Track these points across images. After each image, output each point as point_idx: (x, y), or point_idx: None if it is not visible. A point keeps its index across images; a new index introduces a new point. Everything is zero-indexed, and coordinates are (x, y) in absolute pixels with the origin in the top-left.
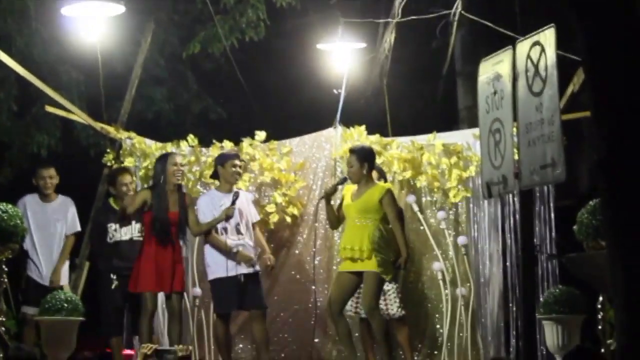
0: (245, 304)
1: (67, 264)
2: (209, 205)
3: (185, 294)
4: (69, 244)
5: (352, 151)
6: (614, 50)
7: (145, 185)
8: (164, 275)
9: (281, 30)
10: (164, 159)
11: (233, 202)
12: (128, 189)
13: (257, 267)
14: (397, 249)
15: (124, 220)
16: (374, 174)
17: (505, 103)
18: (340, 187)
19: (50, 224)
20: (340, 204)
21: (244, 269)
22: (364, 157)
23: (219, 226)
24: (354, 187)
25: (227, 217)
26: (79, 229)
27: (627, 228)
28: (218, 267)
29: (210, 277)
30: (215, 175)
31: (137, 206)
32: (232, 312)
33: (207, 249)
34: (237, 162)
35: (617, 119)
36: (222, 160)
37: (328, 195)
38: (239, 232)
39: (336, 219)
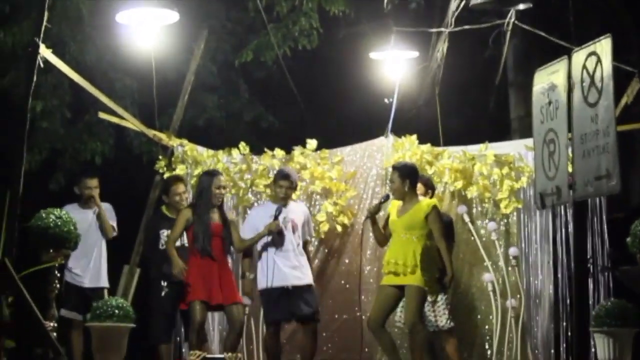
0: (295, 315)
1: (105, 269)
2: (259, 215)
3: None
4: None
5: (394, 168)
6: None
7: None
8: (211, 286)
9: (334, 39)
10: (209, 178)
11: (275, 217)
12: (181, 198)
13: (307, 280)
14: (442, 266)
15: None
16: (421, 186)
17: (560, 113)
18: (384, 204)
19: (91, 230)
20: (387, 220)
21: (293, 281)
22: (406, 173)
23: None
24: (400, 202)
25: (270, 232)
26: (114, 223)
27: None
28: (264, 278)
29: (259, 287)
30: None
31: (181, 230)
32: (282, 322)
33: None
34: (282, 183)
35: None
36: (274, 178)
37: (372, 214)
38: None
39: (383, 236)
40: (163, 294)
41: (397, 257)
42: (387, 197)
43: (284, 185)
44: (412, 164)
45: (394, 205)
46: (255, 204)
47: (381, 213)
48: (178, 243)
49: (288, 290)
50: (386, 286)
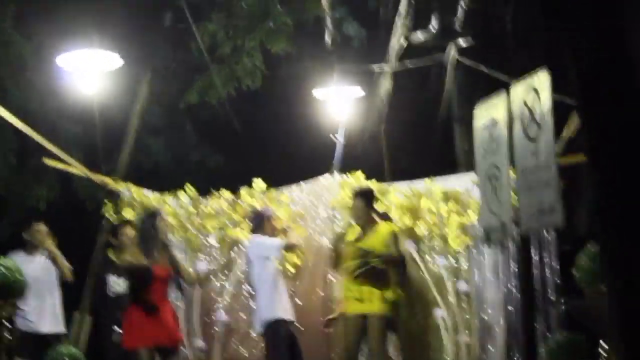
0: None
1: (61, 314)
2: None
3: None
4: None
5: (358, 194)
6: (608, 95)
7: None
8: (153, 332)
9: (278, 78)
10: (153, 217)
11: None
12: (129, 240)
13: None
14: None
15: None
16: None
17: (502, 149)
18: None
19: (43, 276)
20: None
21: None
22: (370, 198)
23: None
24: (358, 228)
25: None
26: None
27: (624, 272)
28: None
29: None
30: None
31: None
32: None
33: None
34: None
35: (612, 163)
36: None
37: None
38: None
39: (339, 260)
40: (114, 339)
41: (358, 291)
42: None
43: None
44: (371, 188)
45: (352, 230)
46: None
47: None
48: (119, 289)
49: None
50: (351, 316)
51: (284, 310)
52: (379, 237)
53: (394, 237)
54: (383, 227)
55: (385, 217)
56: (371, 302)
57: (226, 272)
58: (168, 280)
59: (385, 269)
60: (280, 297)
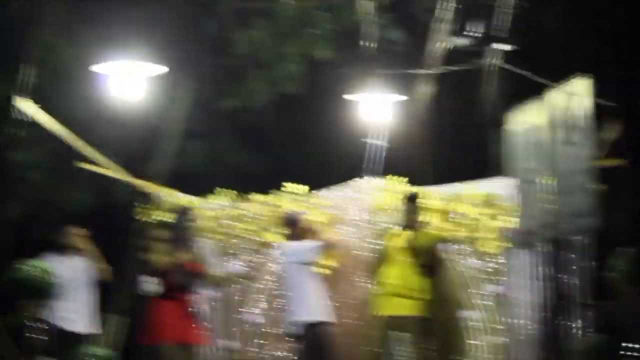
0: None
1: (95, 315)
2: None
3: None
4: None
5: (410, 198)
6: None
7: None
8: (182, 326)
9: (319, 83)
10: (180, 215)
11: None
12: (160, 240)
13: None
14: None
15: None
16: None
17: (540, 153)
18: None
19: (77, 277)
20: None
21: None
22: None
23: None
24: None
25: None
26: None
27: None
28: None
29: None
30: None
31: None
32: None
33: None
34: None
35: None
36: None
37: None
38: None
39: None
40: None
41: (399, 280)
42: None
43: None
44: (416, 193)
45: (399, 233)
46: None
47: None
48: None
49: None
50: (390, 317)
51: (324, 313)
52: (427, 240)
53: (438, 242)
54: (429, 232)
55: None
56: (413, 303)
57: (257, 274)
58: (198, 277)
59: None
60: (320, 299)
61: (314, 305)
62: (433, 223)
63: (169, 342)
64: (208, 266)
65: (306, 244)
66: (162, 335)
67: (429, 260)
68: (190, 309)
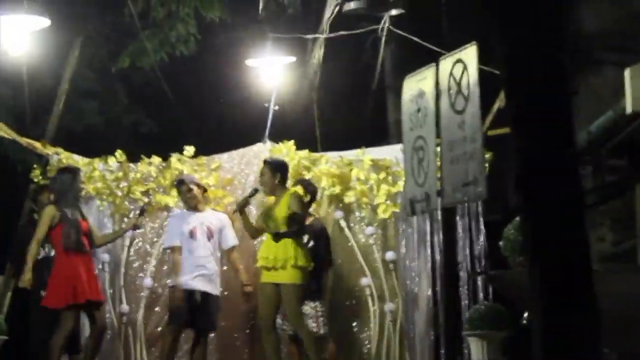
0: (198, 323)
1: None
2: (177, 223)
3: (112, 311)
4: None
5: (265, 162)
6: (532, 68)
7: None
8: (78, 284)
9: (211, 45)
10: (71, 175)
11: (141, 213)
12: (48, 201)
13: (215, 291)
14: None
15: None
16: (300, 189)
17: (429, 120)
18: (252, 198)
19: None
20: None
21: (202, 287)
22: (276, 167)
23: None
24: (272, 198)
25: (135, 227)
26: None
27: (545, 243)
28: (176, 276)
29: (170, 283)
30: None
31: (46, 228)
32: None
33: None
34: (178, 189)
35: (533, 133)
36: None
37: (241, 208)
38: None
39: (253, 229)
40: (38, 304)
41: (269, 252)
42: (255, 191)
43: (181, 191)
44: (283, 160)
45: (268, 200)
46: (132, 213)
47: (252, 208)
48: (42, 254)
49: (195, 296)
50: (265, 285)
51: (216, 284)
52: (283, 205)
53: (293, 197)
54: (286, 194)
55: (309, 189)
56: (279, 270)
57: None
58: (89, 235)
59: (294, 237)
60: (213, 269)
61: (206, 276)
62: (326, 189)
63: (72, 300)
64: (98, 228)
65: (205, 215)
66: (62, 296)
67: (293, 224)
68: (90, 266)
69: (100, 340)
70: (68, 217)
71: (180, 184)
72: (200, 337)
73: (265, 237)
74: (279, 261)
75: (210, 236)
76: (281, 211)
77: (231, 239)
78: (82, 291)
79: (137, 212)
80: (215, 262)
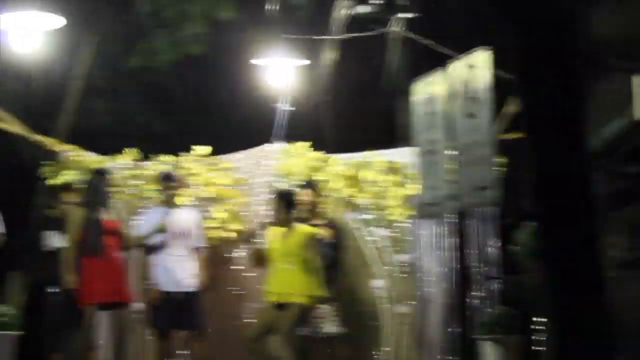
0: (181, 324)
1: None
2: (151, 219)
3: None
4: None
5: (278, 197)
6: (547, 74)
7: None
8: (101, 285)
9: (222, 45)
10: (102, 175)
11: (166, 215)
12: (72, 202)
13: (193, 288)
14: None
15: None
16: (309, 192)
17: (440, 124)
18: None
19: None
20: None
21: (182, 287)
22: (289, 203)
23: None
24: (279, 229)
25: (160, 231)
26: (3, 230)
27: (557, 247)
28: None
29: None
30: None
31: (78, 231)
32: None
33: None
34: (162, 184)
35: (547, 138)
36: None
37: (247, 239)
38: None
39: (260, 259)
40: (53, 299)
41: (280, 287)
42: (264, 226)
43: (163, 186)
44: (288, 190)
45: (273, 231)
46: (144, 210)
47: None
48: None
49: (176, 296)
50: (267, 308)
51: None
52: (295, 241)
53: (312, 241)
54: (300, 232)
55: (317, 190)
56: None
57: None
58: (117, 236)
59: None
60: (191, 270)
61: (185, 277)
62: (337, 190)
63: (96, 300)
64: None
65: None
66: (89, 294)
67: (307, 256)
68: (118, 267)
69: (124, 339)
70: (91, 219)
71: (167, 179)
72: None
73: (274, 269)
74: (292, 296)
75: (185, 235)
76: (294, 243)
77: (199, 239)
78: (103, 291)
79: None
80: (191, 260)
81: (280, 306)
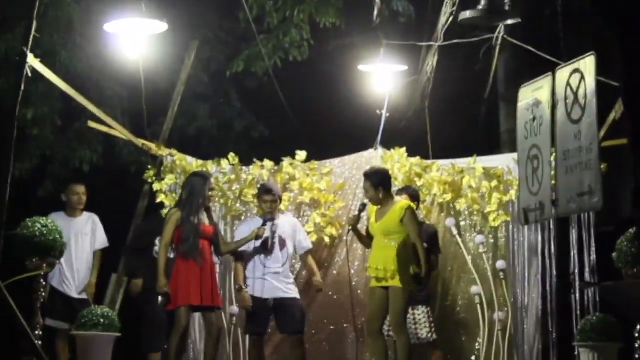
0: (278, 328)
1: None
2: (250, 228)
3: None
4: (98, 258)
5: (365, 176)
6: None
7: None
8: (195, 289)
9: (324, 51)
10: (201, 179)
11: (264, 223)
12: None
13: (292, 294)
14: (419, 264)
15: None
16: (407, 198)
17: (544, 130)
18: (363, 213)
19: (78, 239)
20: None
21: (277, 293)
22: (378, 181)
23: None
24: (377, 207)
25: (257, 237)
26: (107, 244)
27: None
28: (249, 287)
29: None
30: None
31: (172, 233)
32: (265, 333)
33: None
34: (265, 197)
35: None
36: (258, 193)
37: (353, 226)
38: (275, 259)
39: (368, 242)
40: (159, 302)
41: (378, 262)
42: (364, 206)
43: (267, 199)
44: (383, 169)
45: (372, 209)
46: (244, 215)
47: (364, 216)
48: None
49: (271, 302)
50: (375, 288)
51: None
52: (392, 218)
53: (409, 214)
54: (397, 207)
55: (415, 197)
56: (389, 280)
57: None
58: (212, 241)
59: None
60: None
61: (281, 284)
62: (437, 196)
63: (188, 304)
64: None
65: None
66: (181, 297)
67: (402, 237)
68: (211, 271)
69: (217, 342)
70: (189, 221)
71: (269, 192)
72: (291, 340)
73: (374, 247)
74: (389, 272)
75: (282, 245)
76: (390, 220)
77: (305, 241)
78: (196, 295)
79: (262, 223)
80: (286, 268)
81: (384, 287)
